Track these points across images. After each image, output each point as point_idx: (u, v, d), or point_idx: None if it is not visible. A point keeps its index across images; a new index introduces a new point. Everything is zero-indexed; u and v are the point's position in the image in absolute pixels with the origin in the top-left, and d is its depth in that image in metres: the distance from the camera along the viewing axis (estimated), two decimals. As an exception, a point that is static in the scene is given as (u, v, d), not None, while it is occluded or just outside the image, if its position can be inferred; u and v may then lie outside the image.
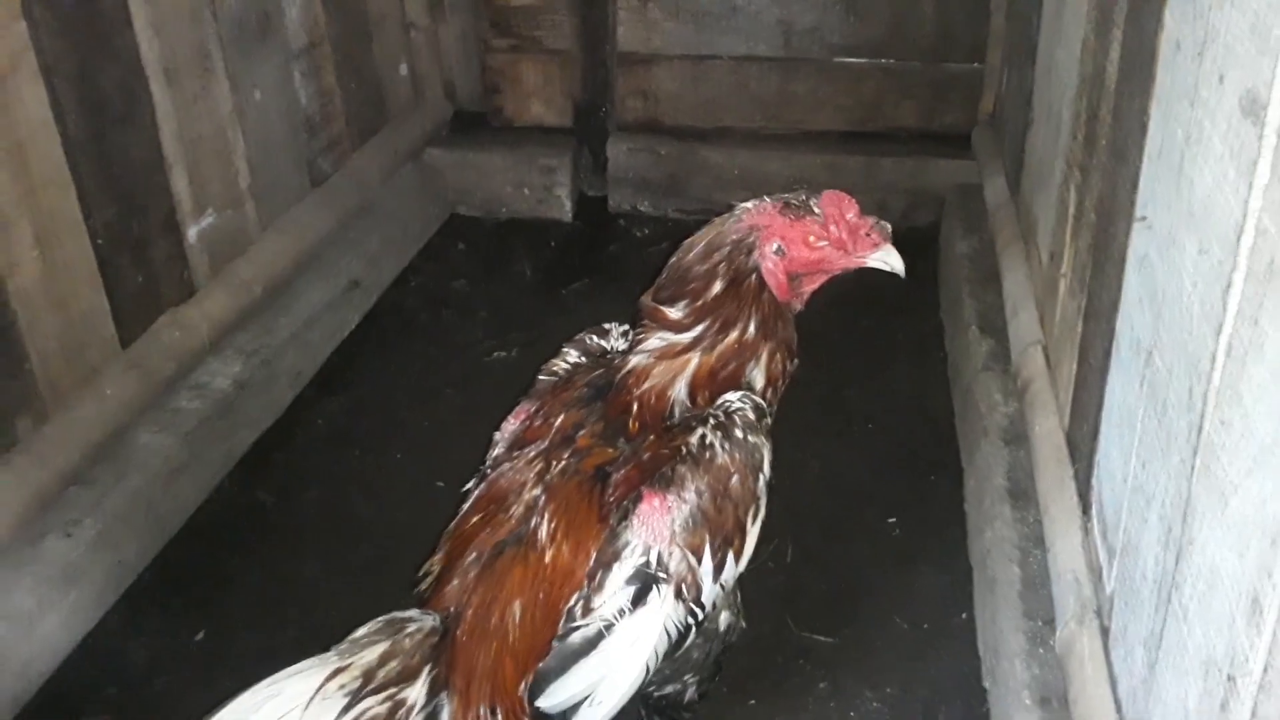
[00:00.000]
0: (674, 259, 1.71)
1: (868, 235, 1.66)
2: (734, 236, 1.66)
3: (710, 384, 1.65)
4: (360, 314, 3.38)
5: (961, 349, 3.00)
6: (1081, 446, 2.06)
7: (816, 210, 1.65)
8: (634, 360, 1.67)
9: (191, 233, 2.75)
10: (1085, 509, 1.99)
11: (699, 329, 1.65)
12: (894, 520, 2.62)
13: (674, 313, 1.67)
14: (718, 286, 1.64)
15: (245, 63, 2.91)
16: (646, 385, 1.65)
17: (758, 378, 1.68)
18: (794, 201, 1.66)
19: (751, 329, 1.66)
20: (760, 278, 1.65)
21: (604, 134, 4.08)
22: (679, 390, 1.65)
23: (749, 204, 1.68)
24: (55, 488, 2.29)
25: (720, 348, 1.65)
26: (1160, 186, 1.60)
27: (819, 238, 1.64)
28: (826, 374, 3.09)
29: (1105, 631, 1.76)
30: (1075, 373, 2.16)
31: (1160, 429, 1.50)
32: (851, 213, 1.65)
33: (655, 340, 1.67)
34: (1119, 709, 1.63)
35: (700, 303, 1.65)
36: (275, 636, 2.29)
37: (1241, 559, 1.17)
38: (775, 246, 1.65)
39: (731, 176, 3.99)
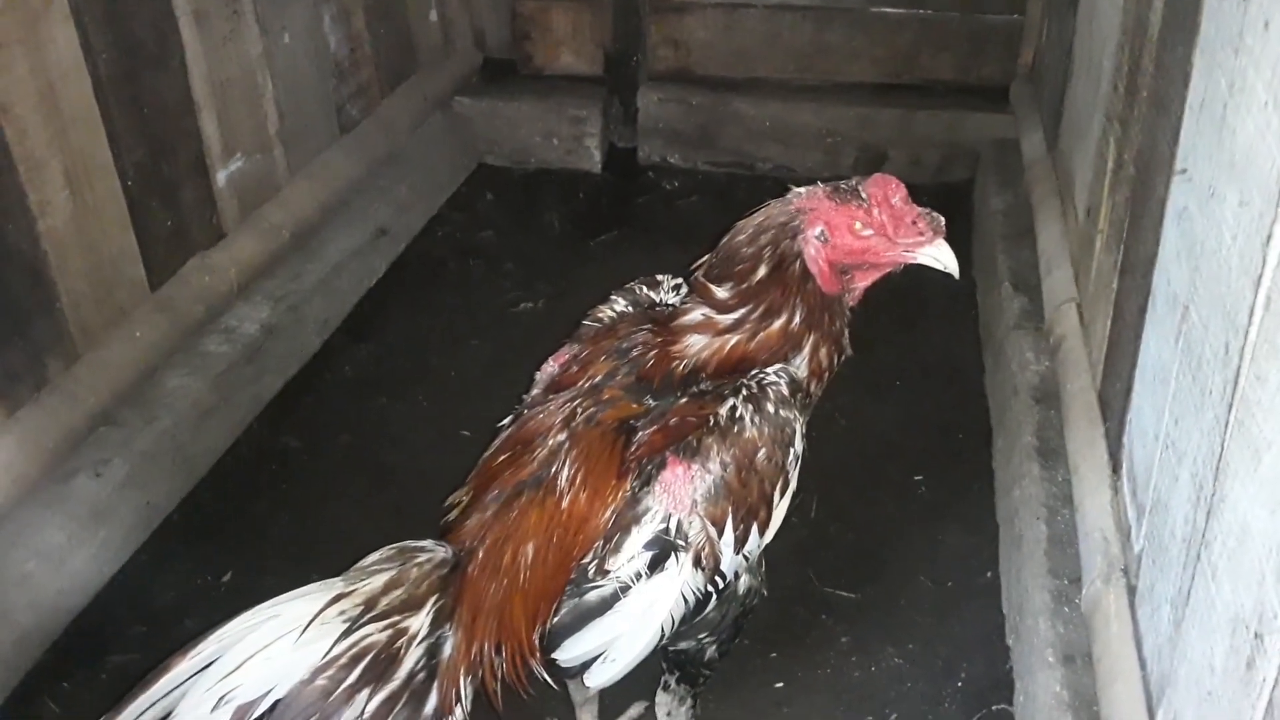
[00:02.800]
0: (726, 238, 1.67)
1: (914, 224, 1.58)
2: (781, 219, 1.60)
3: (741, 367, 1.62)
4: (388, 262, 3.38)
5: (994, 306, 2.96)
6: (1113, 404, 2.03)
7: (864, 196, 1.58)
8: (672, 327, 1.65)
9: (220, 176, 2.75)
10: (1115, 467, 1.97)
11: (741, 312, 1.61)
12: (921, 478, 2.61)
13: (720, 292, 1.63)
14: (762, 271, 1.60)
15: (274, 6, 2.89)
16: (677, 354, 1.63)
17: (801, 368, 1.64)
18: (844, 186, 1.60)
19: (797, 319, 1.61)
20: (804, 265, 1.60)
21: (634, 84, 4.04)
22: (707, 367, 1.62)
23: (803, 189, 1.62)
24: (85, 428, 2.32)
25: (761, 336, 1.61)
26: (1201, 138, 1.56)
27: (864, 225, 1.57)
28: (856, 329, 3.05)
29: (1132, 590, 1.74)
30: (1109, 330, 2.13)
31: (1195, 385, 1.48)
32: (897, 197, 1.58)
33: (698, 314, 1.64)
34: (1143, 667, 1.62)
35: (745, 285, 1.61)
36: (302, 579, 2.28)
37: (1273, 515, 1.15)
38: (819, 231, 1.58)
39: (763, 128, 3.95)
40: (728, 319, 1.62)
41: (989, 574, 2.33)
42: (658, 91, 4.03)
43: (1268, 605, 1.14)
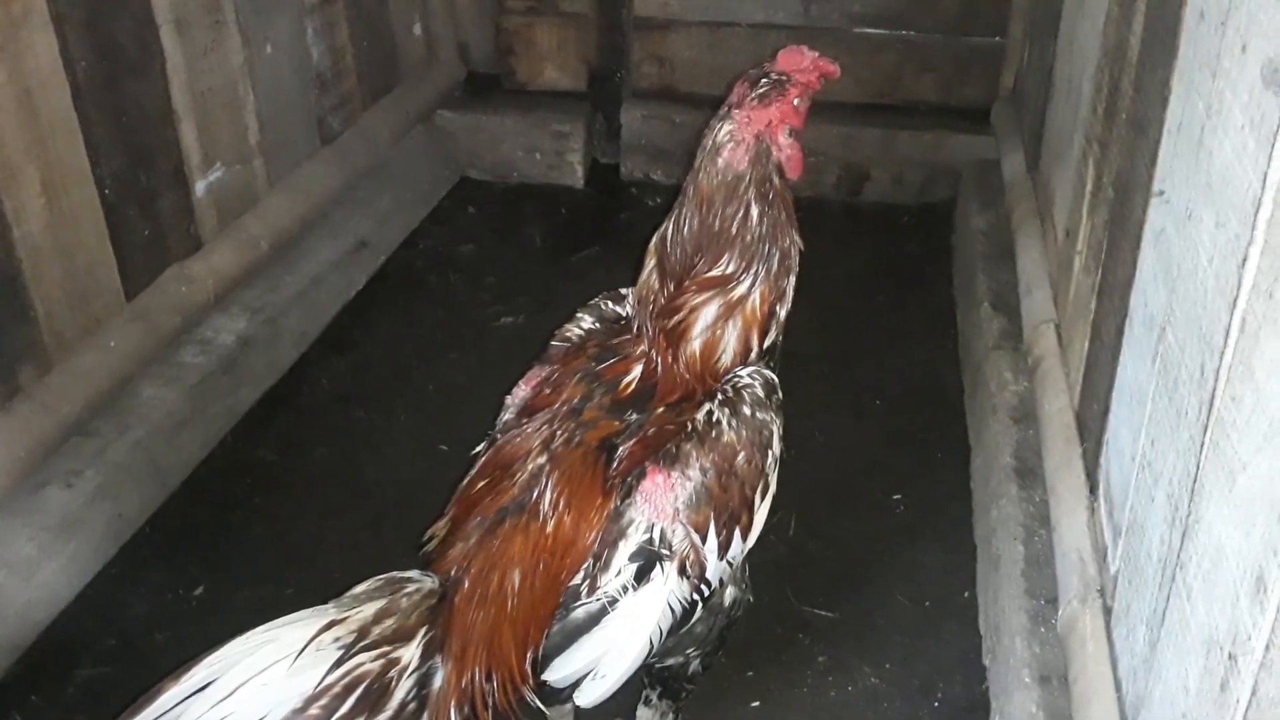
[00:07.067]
0: (684, 230, 1.65)
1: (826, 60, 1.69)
2: (744, 158, 1.61)
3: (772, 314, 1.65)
4: (367, 275, 3.36)
5: (973, 326, 2.97)
6: (1091, 425, 2.04)
7: (787, 76, 1.64)
8: (695, 344, 1.63)
9: (199, 186, 2.74)
10: (1092, 488, 1.97)
11: (755, 265, 1.62)
12: (899, 496, 2.60)
13: (720, 269, 1.62)
14: (755, 211, 1.61)
15: (258, 16, 2.88)
16: (711, 361, 1.63)
17: (789, 272, 1.67)
18: (764, 87, 1.62)
19: (788, 223, 1.65)
20: (780, 174, 1.64)
21: (618, 100, 4.04)
22: (736, 342, 1.63)
23: (725, 126, 1.63)
24: (57, 437, 2.29)
25: (774, 268, 1.63)
26: (1179, 160, 1.57)
27: (804, 99, 1.65)
28: (837, 348, 3.07)
29: (1108, 611, 1.74)
30: (1087, 350, 2.13)
31: (1171, 406, 1.48)
32: (808, 56, 1.66)
33: (712, 309, 1.62)
34: (1119, 688, 1.62)
35: (748, 238, 1.62)
36: (275, 593, 2.29)
37: (1248, 537, 1.15)
38: (788, 132, 1.63)
39: (746, 146, 3.94)
40: (745, 282, 1.62)
41: (966, 594, 2.32)
42: (641, 108, 4.03)
43: (1241, 626, 1.14)
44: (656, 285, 1.67)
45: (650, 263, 1.70)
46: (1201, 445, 1.33)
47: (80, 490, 2.25)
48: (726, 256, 1.62)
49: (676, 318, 1.64)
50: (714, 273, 1.62)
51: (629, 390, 1.62)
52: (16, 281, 2.20)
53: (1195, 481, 1.34)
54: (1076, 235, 2.34)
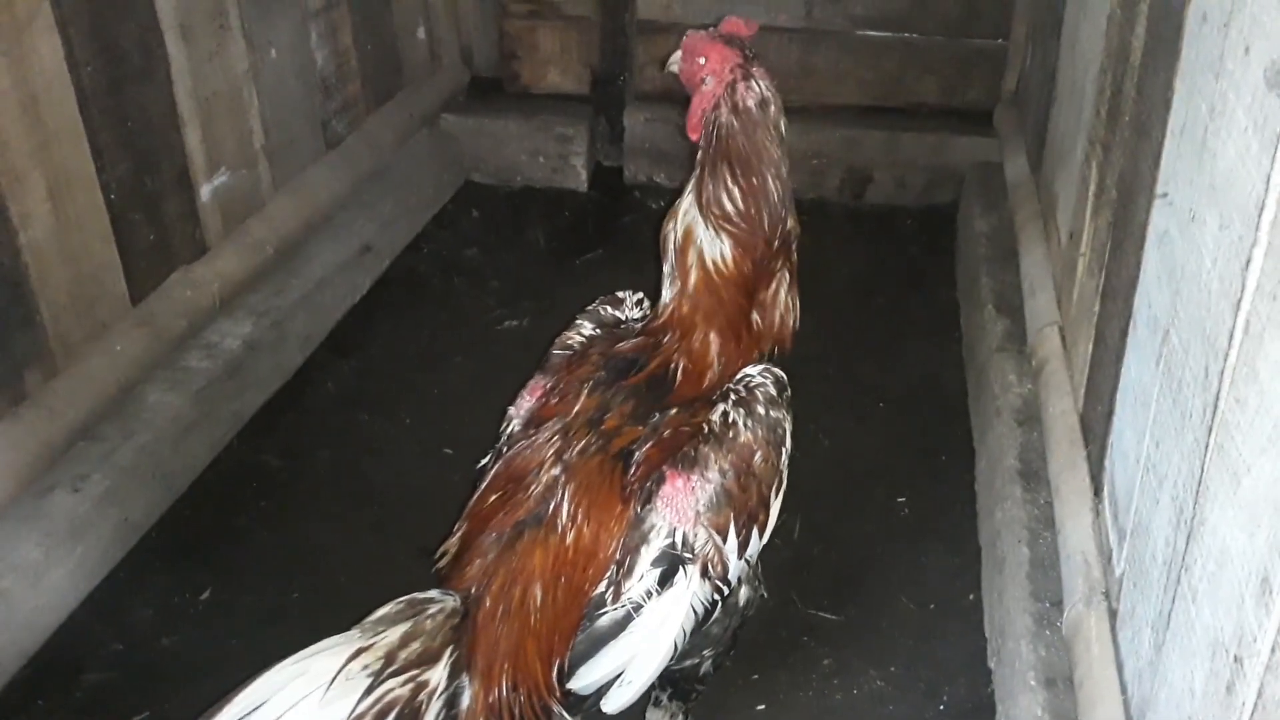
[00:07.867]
0: (768, 195, 1.67)
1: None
2: (778, 116, 1.69)
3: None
4: (372, 278, 3.37)
5: (977, 328, 2.97)
6: (1095, 427, 2.04)
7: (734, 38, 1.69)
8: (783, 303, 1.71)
9: (204, 191, 2.74)
10: (1097, 490, 1.97)
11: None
12: (903, 499, 2.61)
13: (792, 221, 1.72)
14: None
15: (262, 21, 2.89)
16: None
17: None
18: (750, 51, 1.68)
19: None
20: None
21: (621, 103, 4.05)
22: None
23: (763, 83, 1.68)
24: (64, 442, 2.30)
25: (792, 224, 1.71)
26: (1182, 162, 1.57)
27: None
28: (840, 350, 3.07)
29: (1113, 613, 1.74)
30: (1091, 353, 2.13)
31: (1175, 408, 1.48)
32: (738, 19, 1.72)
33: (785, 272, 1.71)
34: (1124, 690, 1.62)
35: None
36: (281, 596, 2.29)
37: (1252, 539, 1.15)
38: (767, 91, 1.70)
39: (749, 149, 3.95)
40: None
41: (971, 596, 2.32)
42: (644, 111, 4.04)
43: (1247, 629, 1.14)
44: (733, 262, 1.67)
45: (715, 243, 1.68)
46: (1206, 447, 1.33)
47: (87, 495, 2.26)
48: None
49: (771, 288, 1.71)
50: (793, 226, 1.70)
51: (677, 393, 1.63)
52: (22, 287, 2.21)
53: (1200, 484, 1.34)
54: (1080, 237, 2.34)
